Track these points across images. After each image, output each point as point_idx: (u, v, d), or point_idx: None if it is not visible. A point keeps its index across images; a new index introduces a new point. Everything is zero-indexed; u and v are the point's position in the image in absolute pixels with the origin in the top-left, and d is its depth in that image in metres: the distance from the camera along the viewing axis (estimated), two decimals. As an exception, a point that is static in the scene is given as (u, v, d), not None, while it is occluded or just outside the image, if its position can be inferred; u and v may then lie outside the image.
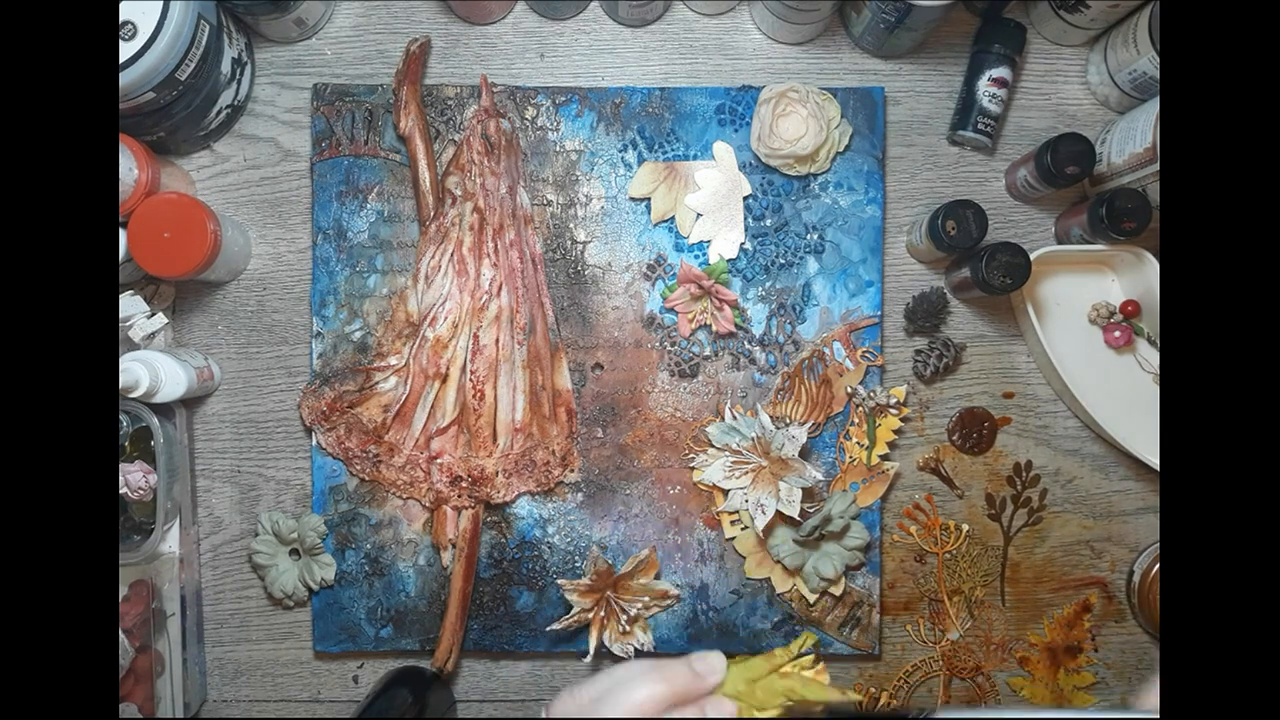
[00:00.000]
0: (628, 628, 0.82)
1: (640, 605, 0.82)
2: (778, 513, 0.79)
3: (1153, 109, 0.76)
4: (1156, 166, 0.75)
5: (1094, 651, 0.86)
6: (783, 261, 0.84)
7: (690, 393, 0.84)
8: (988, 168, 0.86)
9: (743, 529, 0.83)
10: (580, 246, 0.84)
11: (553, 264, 0.84)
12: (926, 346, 0.85)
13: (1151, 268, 0.81)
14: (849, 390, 0.83)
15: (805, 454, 0.82)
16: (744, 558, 0.83)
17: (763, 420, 0.80)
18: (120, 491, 0.77)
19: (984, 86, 0.83)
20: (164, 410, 0.79)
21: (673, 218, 0.84)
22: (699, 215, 0.83)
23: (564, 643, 0.84)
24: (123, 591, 0.78)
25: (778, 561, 0.82)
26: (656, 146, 0.84)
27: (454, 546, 0.83)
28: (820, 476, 0.80)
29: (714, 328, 0.83)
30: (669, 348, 0.84)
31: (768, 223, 0.84)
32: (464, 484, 0.82)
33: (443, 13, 0.86)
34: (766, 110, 0.82)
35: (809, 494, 0.82)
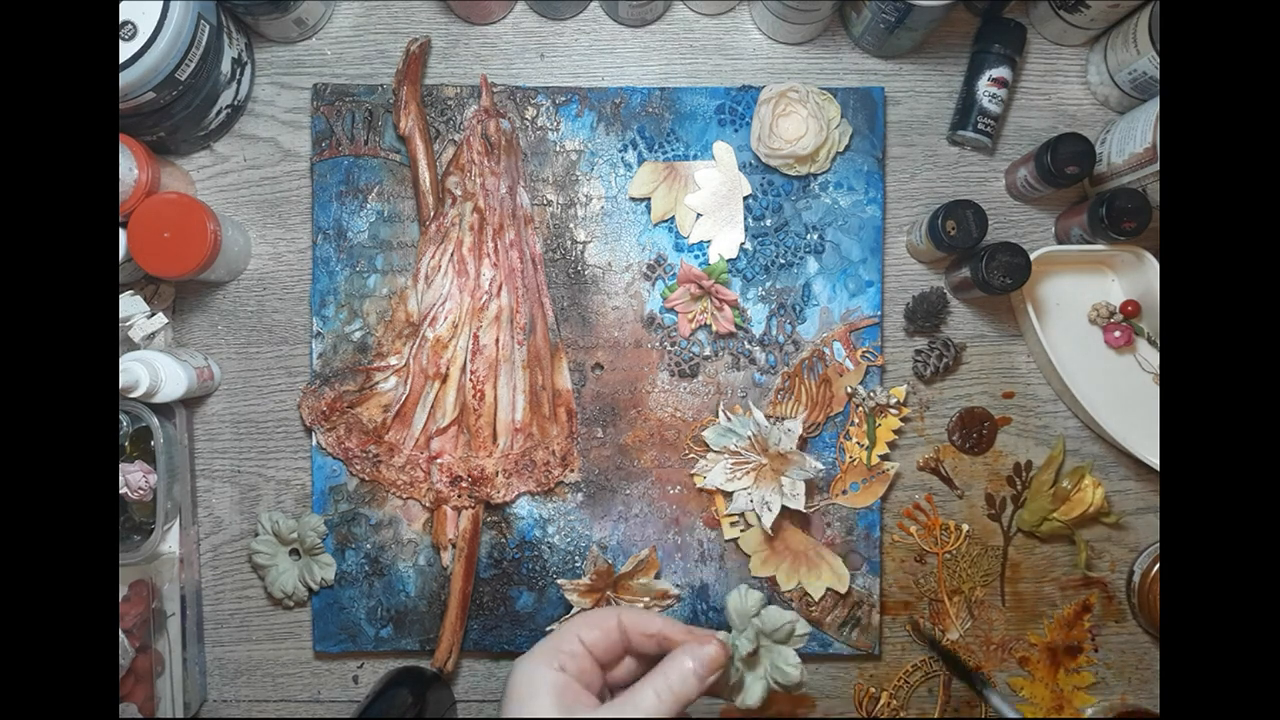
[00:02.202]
0: (628, 628, 0.82)
1: (640, 605, 0.82)
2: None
3: (1153, 109, 0.76)
4: (1156, 166, 0.75)
5: (1094, 651, 0.86)
6: (783, 261, 0.84)
7: (690, 393, 0.84)
8: (988, 168, 0.86)
9: (743, 530, 0.83)
10: (580, 246, 0.84)
11: (553, 264, 0.84)
12: (926, 346, 0.85)
13: (1151, 268, 0.81)
14: (849, 390, 0.83)
15: (803, 450, 0.82)
16: (749, 556, 0.83)
17: (756, 416, 0.80)
18: (120, 491, 0.77)
19: (984, 86, 0.83)
20: (164, 410, 0.79)
21: (673, 218, 0.84)
22: (699, 215, 0.83)
23: (564, 643, 0.84)
24: (123, 591, 0.78)
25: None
26: (656, 146, 0.84)
27: (454, 546, 0.83)
28: (821, 466, 0.80)
29: (714, 328, 0.83)
30: (669, 348, 0.84)
31: (768, 223, 0.84)
32: (464, 484, 0.82)
33: (443, 13, 0.86)
34: (766, 110, 0.82)
35: (810, 488, 0.82)
